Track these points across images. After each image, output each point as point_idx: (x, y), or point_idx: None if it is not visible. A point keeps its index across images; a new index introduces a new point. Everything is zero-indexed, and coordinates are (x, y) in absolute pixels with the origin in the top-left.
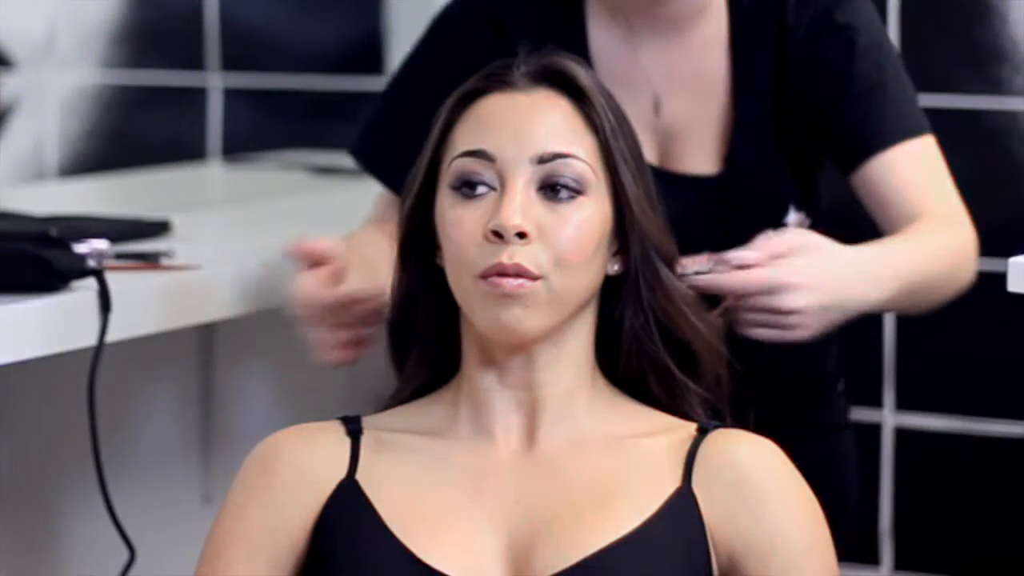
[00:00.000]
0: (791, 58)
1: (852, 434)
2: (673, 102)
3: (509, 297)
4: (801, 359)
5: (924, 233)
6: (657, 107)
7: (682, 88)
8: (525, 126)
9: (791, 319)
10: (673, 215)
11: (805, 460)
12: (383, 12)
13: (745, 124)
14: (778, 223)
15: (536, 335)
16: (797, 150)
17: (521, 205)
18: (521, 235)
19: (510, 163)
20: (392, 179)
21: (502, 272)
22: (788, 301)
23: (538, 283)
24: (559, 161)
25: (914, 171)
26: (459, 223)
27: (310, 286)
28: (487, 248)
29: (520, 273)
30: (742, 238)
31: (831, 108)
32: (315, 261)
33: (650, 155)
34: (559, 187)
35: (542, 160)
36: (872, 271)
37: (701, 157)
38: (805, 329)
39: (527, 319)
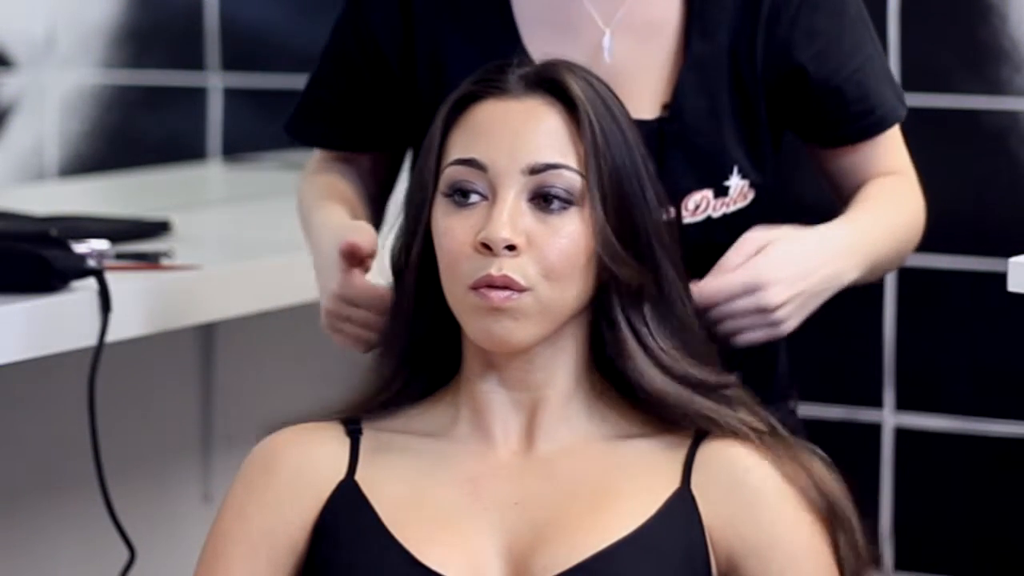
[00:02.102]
0: (767, 15)
1: None
2: (619, 45)
3: (498, 310)
4: (747, 379)
5: (886, 197)
6: (606, 52)
7: (629, 31)
8: (517, 135)
9: (776, 315)
10: None
11: None
12: None
13: (693, 70)
14: (719, 183)
15: (528, 345)
16: (751, 111)
17: (511, 216)
18: (510, 247)
19: (502, 173)
20: (328, 142)
21: (491, 284)
22: (769, 298)
23: (526, 295)
24: (550, 172)
25: (898, 152)
26: (451, 232)
27: (361, 285)
28: (477, 260)
29: (508, 285)
30: (678, 194)
31: (823, 81)
32: (359, 259)
33: None
34: (550, 198)
35: (533, 171)
36: (846, 250)
37: (644, 102)
38: (789, 321)
39: (517, 331)
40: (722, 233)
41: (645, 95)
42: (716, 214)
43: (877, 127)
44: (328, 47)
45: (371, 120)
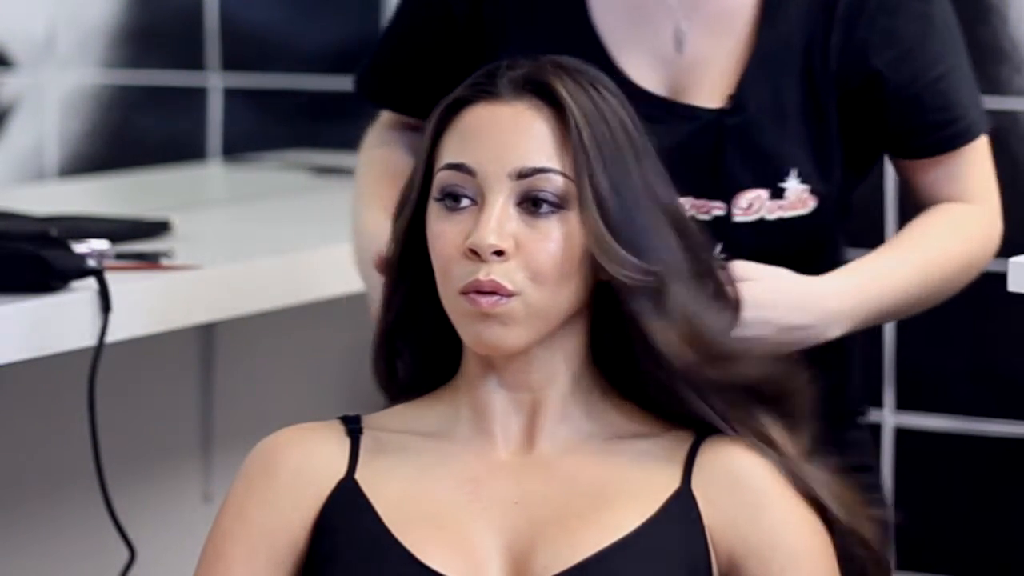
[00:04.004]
0: (844, 14)
1: (877, 477)
2: (692, 34)
3: (487, 315)
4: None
5: (931, 235)
6: (679, 43)
7: (705, 22)
8: (506, 140)
9: None
10: (669, 146)
11: None
12: (383, 12)
13: (761, 63)
14: (774, 183)
15: (520, 349)
16: (820, 114)
17: (499, 221)
18: (498, 253)
19: (490, 178)
20: (394, 102)
21: (479, 289)
22: None
23: (513, 300)
24: (539, 176)
25: (979, 173)
26: (442, 237)
27: None
28: (467, 265)
29: (496, 290)
30: (731, 189)
31: (900, 88)
32: None
33: (662, 89)
34: (539, 202)
35: (521, 175)
36: (832, 309)
37: (711, 92)
38: None
39: (508, 336)
40: (776, 238)
41: (712, 85)
42: (771, 216)
43: (956, 140)
44: (400, 5)
45: (437, 84)
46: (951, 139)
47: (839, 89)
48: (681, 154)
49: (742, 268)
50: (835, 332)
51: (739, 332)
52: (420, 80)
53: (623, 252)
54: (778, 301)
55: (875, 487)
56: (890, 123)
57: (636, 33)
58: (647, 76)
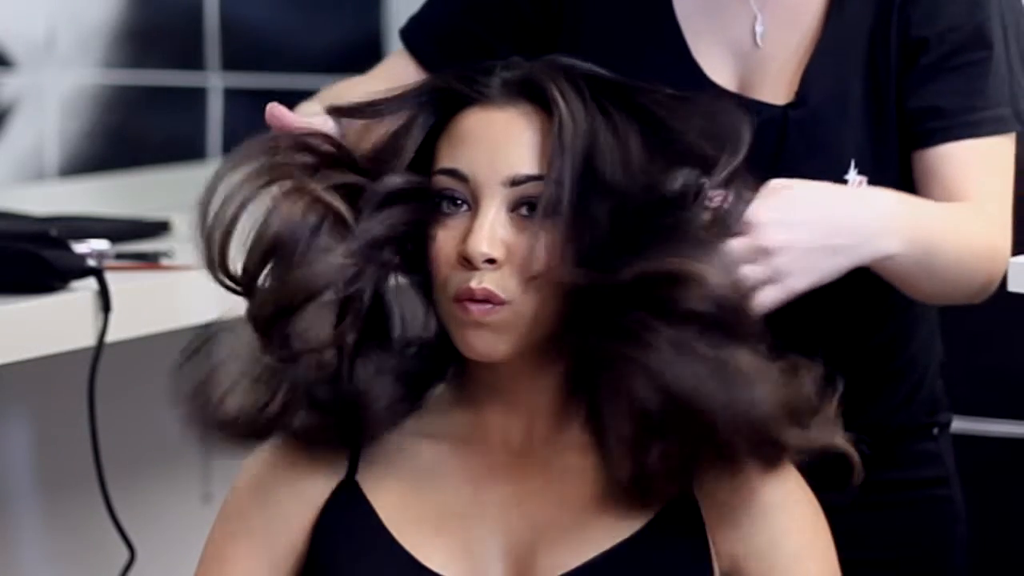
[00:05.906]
0: (901, 1)
1: (950, 489)
2: (768, 28)
3: (479, 324)
4: (872, 407)
5: (952, 209)
6: (756, 35)
7: (777, 13)
8: (499, 146)
9: (777, 261)
10: None
11: (880, 526)
12: (383, 12)
13: (826, 55)
14: (838, 177)
15: (512, 356)
16: (882, 103)
17: (491, 229)
18: (490, 261)
19: (483, 185)
20: (429, 59)
21: (471, 297)
22: (765, 238)
23: (506, 308)
24: (531, 183)
25: (989, 175)
26: (435, 243)
27: None
28: (460, 272)
29: (488, 298)
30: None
31: (937, 63)
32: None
33: (732, 84)
34: (532, 208)
35: (514, 183)
36: (885, 213)
37: (776, 86)
38: (794, 275)
39: (500, 344)
40: None
41: (779, 79)
42: None
43: (973, 128)
44: None
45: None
46: (965, 126)
47: (898, 76)
48: (749, 150)
49: (783, 180)
50: (888, 244)
51: (783, 233)
52: (479, 53)
53: (584, 267)
54: (828, 199)
55: (947, 499)
56: (912, 99)
57: (713, 23)
58: (720, 70)
